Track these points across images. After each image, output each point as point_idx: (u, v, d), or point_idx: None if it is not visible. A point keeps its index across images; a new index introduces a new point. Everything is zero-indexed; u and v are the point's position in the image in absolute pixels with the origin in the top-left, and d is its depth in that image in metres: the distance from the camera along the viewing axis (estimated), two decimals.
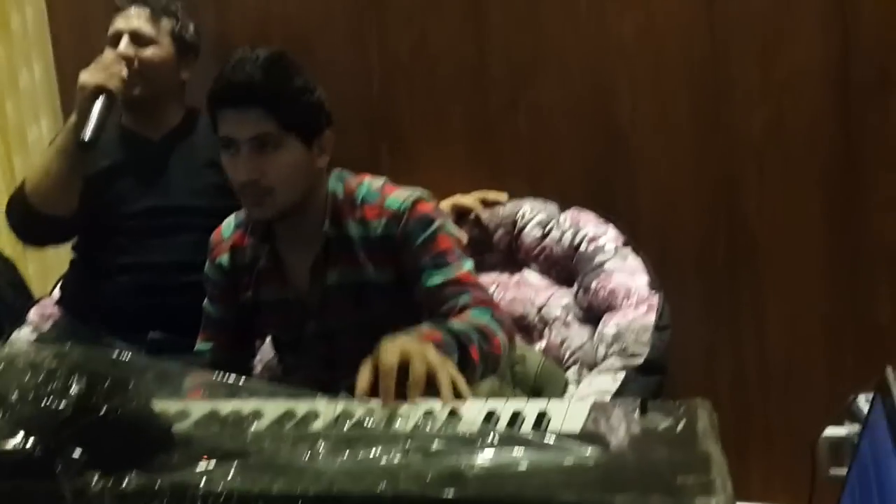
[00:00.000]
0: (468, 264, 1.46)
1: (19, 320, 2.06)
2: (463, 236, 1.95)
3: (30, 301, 2.17)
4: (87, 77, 1.75)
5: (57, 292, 2.10)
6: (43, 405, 0.83)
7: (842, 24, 1.86)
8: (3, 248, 2.39)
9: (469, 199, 2.00)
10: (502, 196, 2.01)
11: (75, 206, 1.83)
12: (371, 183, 1.50)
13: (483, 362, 1.28)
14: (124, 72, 1.79)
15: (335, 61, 2.17)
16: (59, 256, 2.49)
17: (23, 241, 1.99)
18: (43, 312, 2.07)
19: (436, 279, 1.42)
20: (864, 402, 1.46)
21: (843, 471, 1.50)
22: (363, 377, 1.08)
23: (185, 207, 1.86)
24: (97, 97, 1.73)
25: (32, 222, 1.84)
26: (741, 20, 1.91)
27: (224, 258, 1.56)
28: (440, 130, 2.14)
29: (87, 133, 1.70)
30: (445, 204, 2.00)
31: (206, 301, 1.62)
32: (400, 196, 1.46)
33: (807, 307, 1.96)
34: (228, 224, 1.60)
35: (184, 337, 1.84)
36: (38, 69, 2.68)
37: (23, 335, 2.01)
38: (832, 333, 1.96)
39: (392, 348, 1.08)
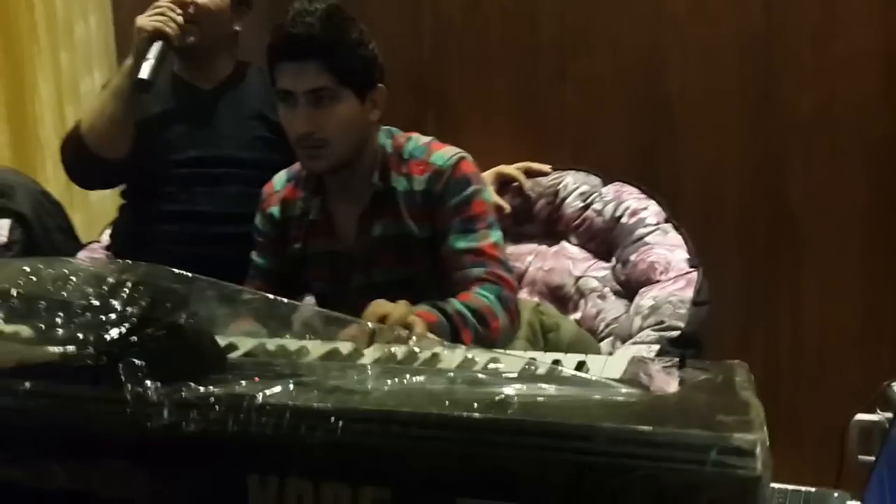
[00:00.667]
0: (495, 235, 1.48)
1: None
2: (505, 205, 1.97)
3: (78, 246, 2.22)
4: (145, 21, 1.77)
5: (106, 237, 2.15)
6: (108, 315, 0.87)
7: None
8: (53, 192, 2.44)
9: (512, 169, 2.02)
10: (546, 167, 2.02)
11: (128, 149, 1.85)
12: (419, 139, 1.53)
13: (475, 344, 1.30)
14: (180, 18, 1.81)
15: (388, 23, 2.18)
16: (105, 206, 2.54)
17: (76, 182, 2.02)
18: (91, 256, 2.12)
19: (460, 244, 1.44)
20: None
21: (871, 457, 1.50)
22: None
23: (232, 158, 1.88)
24: (154, 41, 1.75)
25: (86, 163, 1.87)
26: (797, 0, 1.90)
27: (275, 209, 1.59)
28: (487, 98, 2.16)
29: (145, 72, 1.72)
30: (489, 173, 2.01)
31: (253, 252, 1.65)
32: (446, 153, 1.49)
33: (845, 293, 1.95)
34: (280, 177, 1.62)
35: None
36: (93, 21, 2.73)
37: None
38: (869, 320, 1.95)
39: (379, 304, 1.20)
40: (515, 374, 0.89)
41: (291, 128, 1.45)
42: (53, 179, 2.90)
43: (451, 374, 0.86)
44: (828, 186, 1.94)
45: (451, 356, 0.97)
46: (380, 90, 1.49)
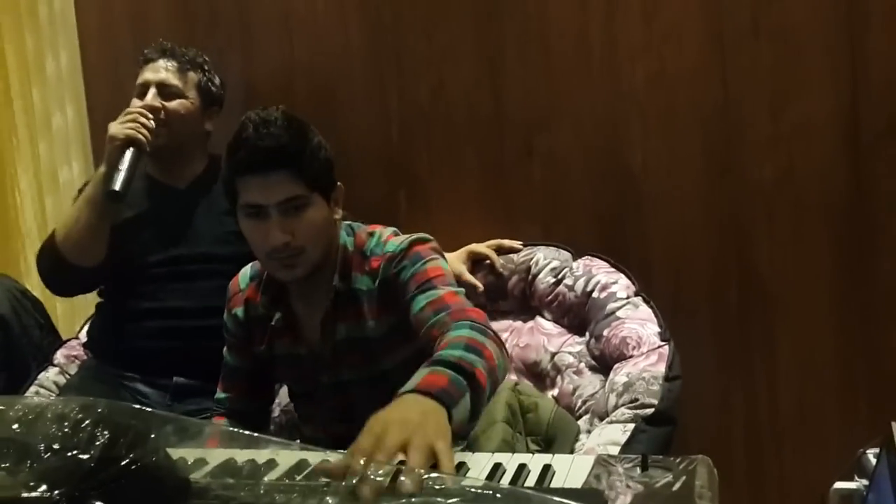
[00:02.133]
0: (456, 289, 1.42)
1: (46, 361, 2.12)
2: (478, 284, 1.99)
3: (57, 342, 2.22)
4: (117, 129, 1.81)
5: (83, 334, 2.16)
6: (68, 456, 0.87)
7: (851, 74, 1.90)
8: (33, 288, 2.46)
9: (483, 247, 2.04)
10: (517, 244, 2.05)
11: (103, 256, 1.88)
12: (381, 234, 1.52)
13: (488, 381, 1.19)
14: (152, 123, 1.85)
15: (356, 108, 2.24)
16: (87, 298, 2.55)
17: (52, 291, 2.06)
18: (69, 354, 2.13)
19: (420, 303, 1.39)
20: (872, 456, 1.47)
21: None
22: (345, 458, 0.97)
23: (208, 254, 1.91)
24: (126, 149, 1.79)
25: (62, 272, 1.90)
26: (752, 70, 1.96)
27: (240, 310, 1.60)
28: (456, 176, 2.19)
29: (117, 183, 1.75)
30: (461, 251, 2.04)
31: (224, 349, 1.66)
32: (398, 240, 1.49)
33: (819, 356, 1.97)
34: (244, 275, 1.62)
35: (207, 381, 1.90)
36: (70, 112, 2.77)
37: (49, 376, 2.06)
38: (845, 383, 1.97)
39: (371, 427, 1.00)
40: (479, 495, 0.89)
41: (265, 241, 1.41)
42: (34, 269, 2.92)
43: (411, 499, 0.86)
44: (794, 251, 1.98)
45: (419, 470, 0.96)
46: (339, 188, 1.51)
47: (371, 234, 1.52)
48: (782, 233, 1.97)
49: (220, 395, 1.64)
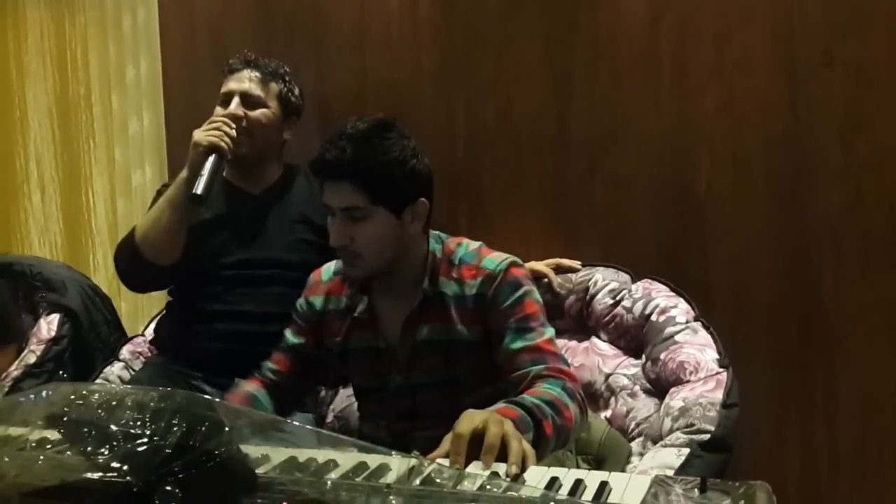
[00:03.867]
0: (549, 332, 1.50)
1: (112, 356, 2.19)
2: None
3: (123, 338, 2.30)
4: (201, 136, 1.87)
5: (150, 332, 2.23)
6: (146, 443, 0.92)
7: None
8: (101, 285, 2.55)
9: (542, 266, 2.06)
10: (576, 264, 2.06)
11: (179, 256, 1.94)
12: (469, 245, 1.59)
13: (556, 435, 1.31)
14: (234, 132, 1.91)
15: (424, 124, 2.27)
16: (152, 297, 2.64)
17: (128, 286, 2.12)
18: (135, 350, 2.20)
19: (517, 343, 1.47)
20: None
21: None
22: (441, 446, 1.15)
23: (278, 260, 1.96)
24: (209, 155, 1.85)
25: (139, 269, 1.96)
26: (823, 99, 1.94)
27: (318, 300, 1.66)
28: (518, 195, 2.22)
29: (200, 187, 1.81)
30: None
31: (287, 329, 1.70)
32: (497, 258, 1.54)
33: (880, 392, 1.93)
34: (328, 268, 1.69)
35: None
36: (147, 119, 2.88)
37: (115, 370, 2.14)
38: None
39: (470, 417, 1.15)
40: (536, 500, 0.91)
41: (332, 237, 1.52)
42: (103, 267, 3.04)
43: (474, 501, 0.88)
44: (858, 281, 1.94)
45: (474, 478, 0.99)
46: (421, 203, 1.52)
47: (459, 244, 1.59)
48: (848, 265, 1.94)
49: (266, 363, 1.68)
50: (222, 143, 1.87)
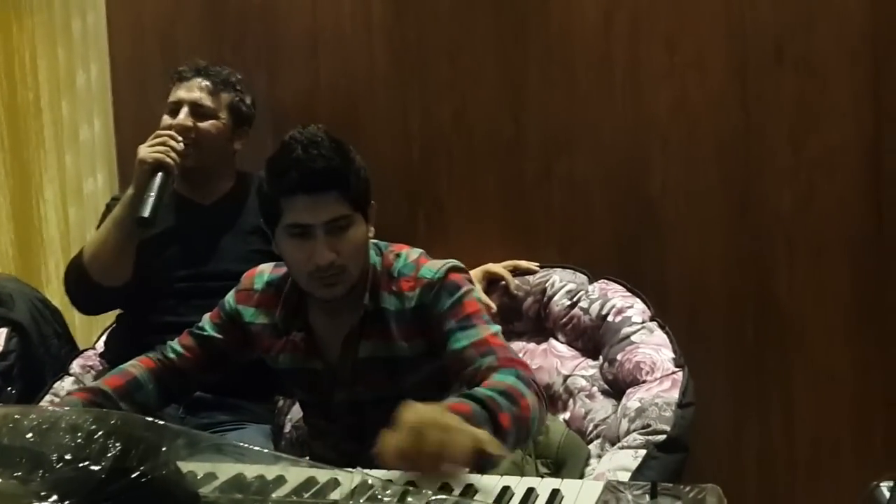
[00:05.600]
0: (494, 328, 1.46)
1: (62, 370, 2.14)
2: (492, 304, 1.99)
3: (74, 352, 2.25)
4: (146, 153, 1.82)
5: (101, 345, 2.18)
6: (80, 467, 0.89)
7: (874, 104, 1.89)
8: (52, 297, 2.49)
9: (499, 268, 2.05)
10: (533, 265, 2.05)
11: (129, 277, 1.90)
12: (408, 255, 1.52)
13: (514, 427, 1.24)
14: (181, 146, 1.86)
15: (379, 129, 2.25)
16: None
17: (78, 308, 2.07)
18: (85, 364, 2.15)
19: (462, 342, 1.41)
20: (886, 489, 1.45)
21: None
22: (387, 442, 1.11)
23: (230, 272, 1.90)
24: (155, 173, 1.81)
25: (88, 291, 1.93)
26: (774, 98, 1.96)
27: (248, 311, 1.58)
28: (475, 198, 2.20)
29: (146, 210, 1.76)
30: (477, 271, 2.05)
31: (207, 318, 1.62)
32: (434, 266, 1.49)
33: (835, 387, 1.95)
34: (261, 275, 1.59)
35: (221, 395, 1.91)
36: (97, 125, 2.82)
37: (65, 385, 2.08)
38: (861, 415, 1.94)
39: (412, 412, 1.11)
40: None
41: (310, 260, 1.41)
42: (55, 277, 2.97)
43: None
44: (812, 278, 1.96)
45: (420, 496, 0.97)
46: (373, 207, 1.51)
47: (398, 255, 1.52)
48: (801, 262, 1.96)
49: (173, 344, 1.61)
50: (168, 160, 1.82)
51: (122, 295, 1.95)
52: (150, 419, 0.93)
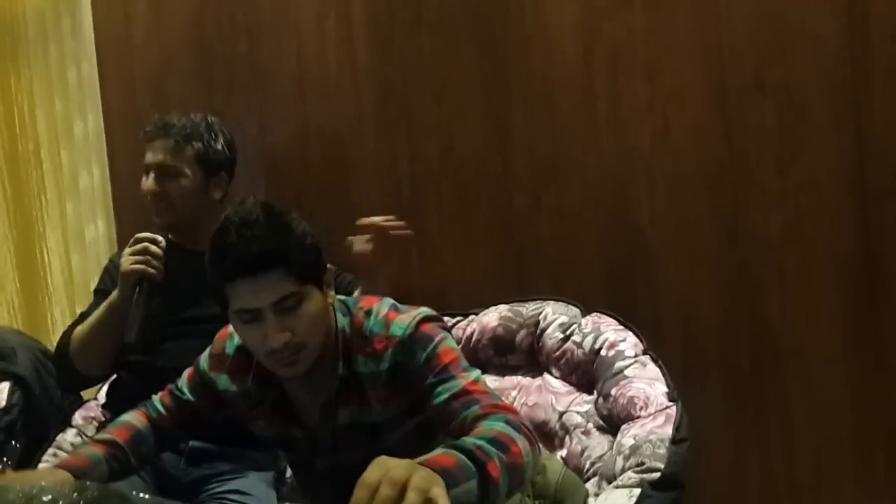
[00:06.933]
0: (474, 374, 1.41)
1: (66, 422, 2.16)
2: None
3: (77, 402, 2.27)
4: (127, 265, 1.87)
5: (102, 395, 2.20)
6: None
7: (855, 128, 1.89)
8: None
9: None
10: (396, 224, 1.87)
11: (111, 369, 2.01)
12: (378, 311, 1.46)
13: (506, 475, 1.18)
14: (162, 244, 1.90)
15: (367, 170, 2.28)
16: None
17: (61, 388, 2.19)
18: (87, 415, 2.17)
19: (443, 395, 1.37)
20: None
21: None
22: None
23: (221, 315, 1.94)
24: (137, 285, 1.86)
25: (73, 378, 2.03)
26: (756, 126, 1.95)
27: (221, 379, 1.55)
28: (466, 233, 2.22)
29: (132, 335, 1.83)
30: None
31: (184, 379, 1.61)
32: (404, 321, 1.43)
33: (834, 412, 1.94)
34: (232, 339, 1.55)
35: (222, 445, 1.92)
36: (96, 172, 2.87)
37: (68, 437, 2.11)
38: (862, 436, 1.93)
39: (374, 468, 1.04)
40: None
41: (263, 343, 1.37)
42: (61, 324, 3.00)
43: None
44: (805, 303, 1.95)
45: None
46: (330, 271, 1.46)
47: (368, 313, 1.46)
48: (792, 287, 1.96)
49: (156, 400, 1.62)
50: (150, 271, 1.86)
51: (104, 377, 2.06)
52: (124, 493, 0.95)
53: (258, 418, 1.54)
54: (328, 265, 1.46)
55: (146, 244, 1.88)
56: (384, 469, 1.02)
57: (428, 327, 1.43)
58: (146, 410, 1.61)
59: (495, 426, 1.26)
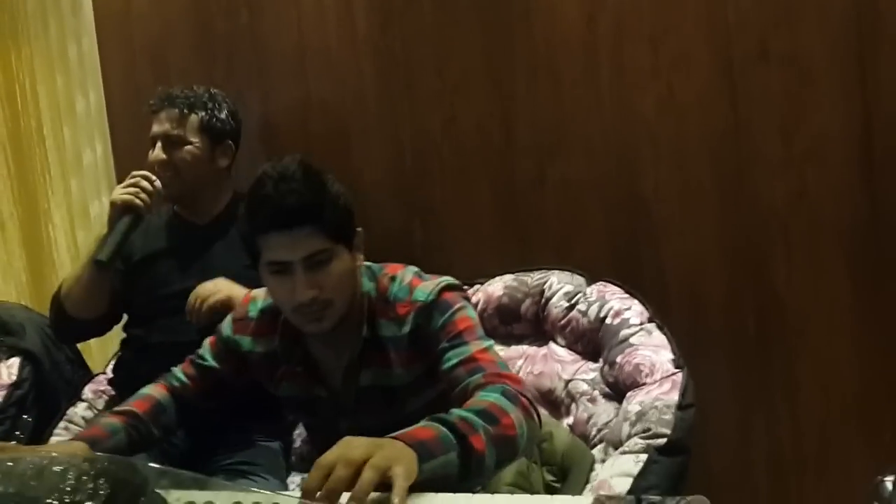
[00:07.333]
0: (486, 343, 1.42)
1: (76, 396, 2.18)
2: None
3: (87, 376, 2.29)
4: (116, 195, 1.88)
5: (110, 369, 2.22)
6: None
7: (862, 95, 1.88)
8: None
9: None
10: None
11: (103, 310, 1.98)
12: (403, 277, 1.48)
13: (493, 448, 1.17)
14: (157, 183, 1.90)
15: (370, 142, 2.27)
16: (119, 332, 2.64)
17: (57, 338, 2.20)
18: (97, 389, 2.19)
19: (451, 360, 1.39)
20: (890, 484, 1.45)
21: None
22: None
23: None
24: (123, 215, 1.85)
25: (63, 323, 2.02)
26: (762, 92, 1.94)
27: (245, 341, 1.57)
28: (470, 205, 2.22)
29: (104, 253, 1.82)
30: None
31: (207, 345, 1.62)
32: (427, 287, 1.45)
33: (841, 377, 1.94)
34: (255, 301, 1.58)
35: (231, 416, 1.93)
36: (99, 149, 2.86)
37: (78, 411, 2.13)
38: (868, 404, 1.93)
39: (347, 443, 1.03)
40: None
41: (291, 297, 1.40)
42: None
43: None
44: (811, 272, 1.95)
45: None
46: (360, 234, 1.48)
47: (393, 279, 1.48)
48: (798, 255, 1.96)
49: (176, 371, 1.62)
50: (137, 201, 1.86)
51: (97, 325, 2.04)
52: (135, 461, 0.96)
53: (283, 379, 1.55)
54: (359, 228, 1.48)
55: (139, 178, 1.89)
56: (344, 448, 1.01)
57: (450, 295, 1.46)
58: (166, 382, 1.63)
59: (489, 397, 1.26)
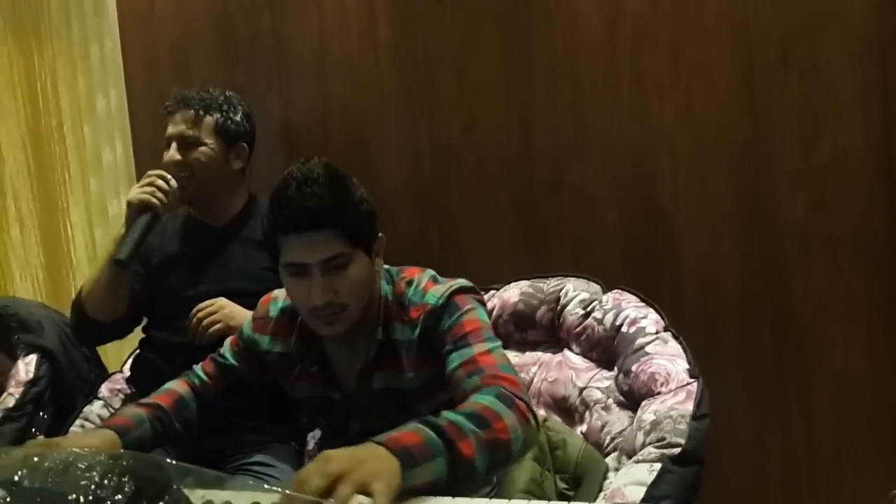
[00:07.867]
0: (490, 344, 1.40)
1: (92, 394, 2.20)
2: None
3: (103, 375, 2.31)
4: (133, 194, 1.89)
5: (127, 368, 2.23)
6: None
7: (882, 106, 1.87)
8: None
9: None
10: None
11: (123, 312, 1.99)
12: (419, 281, 1.49)
13: (483, 452, 1.15)
14: (172, 182, 1.92)
15: (389, 146, 2.28)
16: (137, 332, 2.66)
17: (78, 340, 2.21)
18: (113, 387, 2.21)
19: (454, 362, 1.38)
20: None
21: None
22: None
23: (239, 290, 1.95)
24: (140, 214, 1.86)
25: (84, 326, 2.03)
26: (781, 102, 1.95)
27: (264, 340, 1.59)
28: (487, 210, 2.22)
29: (124, 252, 1.83)
30: None
31: (228, 344, 1.65)
32: (438, 291, 1.46)
33: (856, 389, 1.94)
34: (276, 301, 1.60)
35: (246, 417, 1.95)
36: (119, 147, 2.89)
37: (94, 409, 2.14)
38: (883, 416, 1.93)
39: (326, 457, 1.02)
40: None
41: (307, 299, 1.40)
42: None
43: None
44: (827, 282, 1.95)
45: None
46: (381, 239, 1.49)
47: (409, 283, 1.49)
48: (816, 266, 1.95)
49: (198, 369, 1.65)
50: (153, 200, 1.87)
51: (117, 327, 2.05)
52: (160, 459, 0.97)
53: (298, 380, 1.57)
54: (380, 234, 1.48)
55: (155, 178, 1.90)
56: (322, 463, 1.01)
57: (460, 298, 1.45)
58: (188, 379, 1.65)
59: (483, 400, 1.24)
